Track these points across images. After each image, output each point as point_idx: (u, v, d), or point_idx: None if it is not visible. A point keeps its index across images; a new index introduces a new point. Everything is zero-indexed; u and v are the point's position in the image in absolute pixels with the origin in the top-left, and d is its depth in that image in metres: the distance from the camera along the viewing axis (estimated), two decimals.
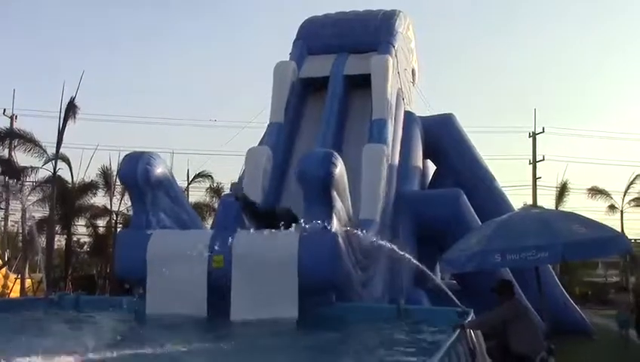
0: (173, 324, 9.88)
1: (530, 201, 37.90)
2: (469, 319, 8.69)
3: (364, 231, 12.34)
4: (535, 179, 39.42)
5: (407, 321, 10.09)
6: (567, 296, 20.10)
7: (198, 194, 35.00)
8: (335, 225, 10.79)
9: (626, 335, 18.68)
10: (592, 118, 78.60)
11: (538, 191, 39.24)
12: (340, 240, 10.83)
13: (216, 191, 33.38)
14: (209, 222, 27.89)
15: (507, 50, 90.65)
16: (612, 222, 35.03)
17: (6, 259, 26.72)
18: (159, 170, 11.87)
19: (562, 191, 38.14)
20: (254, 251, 10.67)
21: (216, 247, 10.69)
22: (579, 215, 9.16)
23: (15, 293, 24.15)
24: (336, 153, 11.43)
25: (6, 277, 25.52)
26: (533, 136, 40.22)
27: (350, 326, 10.10)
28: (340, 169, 11.03)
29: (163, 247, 10.96)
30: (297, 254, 10.37)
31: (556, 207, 35.81)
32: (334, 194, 10.93)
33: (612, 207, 38.97)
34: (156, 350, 7.27)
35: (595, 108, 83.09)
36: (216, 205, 28.54)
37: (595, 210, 37.24)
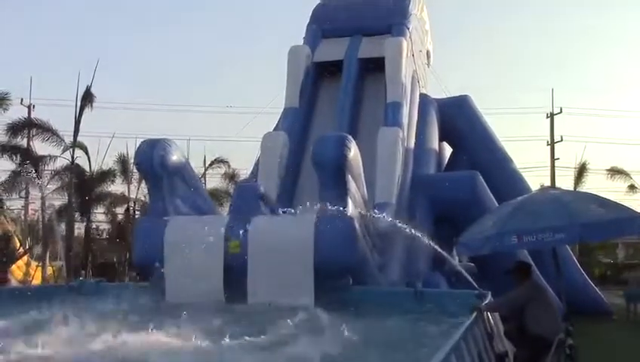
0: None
1: (548, 183, 37.63)
2: (487, 301, 8.67)
3: (380, 215, 12.33)
4: (553, 160, 39.11)
5: (425, 304, 10.09)
6: (586, 277, 20.01)
7: (215, 180, 35.16)
8: (351, 209, 10.78)
9: (634, 310, 19.40)
10: (610, 97, 77.69)
11: (556, 173, 38.99)
12: (356, 223, 10.83)
13: (232, 176, 33.46)
14: (226, 207, 28.01)
15: (523, 30, 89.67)
16: (632, 202, 34.64)
17: (27, 247, 26.97)
18: (175, 157, 11.91)
19: (581, 171, 37.79)
20: (270, 236, 10.70)
21: (232, 233, 10.74)
22: (596, 195, 9.07)
23: (37, 281, 24.46)
24: (349, 136, 11.40)
25: (28, 264, 25.80)
26: (551, 116, 39.85)
27: (367, 311, 10.09)
28: (354, 152, 11.00)
29: (180, 233, 11.02)
30: (313, 238, 10.39)
31: (575, 188, 35.48)
32: (349, 177, 10.92)
33: (632, 187, 38.52)
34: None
35: (613, 86, 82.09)
36: (232, 191, 28.63)
37: (614, 191, 36.86)
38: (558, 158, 39.33)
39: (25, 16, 78.33)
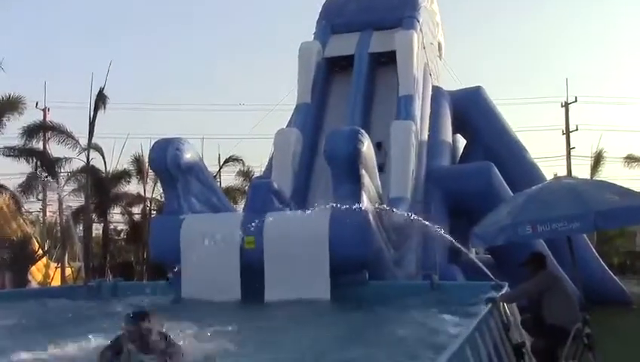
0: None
1: (564, 172, 37.31)
2: (503, 292, 8.65)
3: (395, 209, 12.33)
4: (569, 149, 38.77)
5: (441, 296, 10.09)
6: (605, 266, 19.87)
7: (229, 178, 35.22)
8: (365, 203, 10.78)
9: None
10: (626, 85, 76.79)
11: (573, 162, 38.62)
12: (371, 217, 10.83)
13: (246, 174, 33.51)
14: (240, 205, 28.09)
15: (537, 19, 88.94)
16: None
17: (46, 248, 27.24)
18: (189, 155, 11.98)
19: (597, 160, 37.35)
20: (285, 232, 10.74)
21: (247, 230, 10.79)
22: (611, 183, 8.97)
23: (56, 282, 24.71)
24: (362, 130, 11.40)
25: (47, 266, 26.10)
26: (566, 105, 39.48)
27: (383, 305, 10.11)
28: (367, 146, 11.00)
29: (195, 231, 11.10)
30: (328, 233, 10.41)
31: (591, 177, 35.18)
32: (362, 171, 10.91)
33: None
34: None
35: (629, 74, 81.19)
36: (247, 188, 28.69)
37: (632, 179, 36.44)
38: (573, 148, 38.96)
39: (37, 20, 78.95)
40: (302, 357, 6.63)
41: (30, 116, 28.78)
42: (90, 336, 6.88)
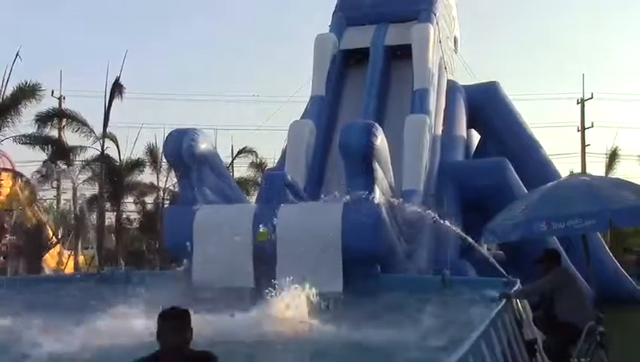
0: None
1: (578, 170, 37.06)
2: (515, 288, 8.63)
3: (408, 202, 12.32)
4: (584, 146, 38.51)
5: (453, 292, 10.08)
6: (618, 264, 19.75)
7: (242, 170, 35.31)
8: (378, 196, 10.79)
9: None
10: None
11: (587, 159, 38.36)
12: (384, 211, 10.83)
13: (259, 166, 33.58)
14: (253, 197, 28.16)
15: (553, 15, 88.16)
16: None
17: (60, 236, 27.49)
18: (203, 146, 12.02)
19: (612, 158, 37.09)
20: (298, 224, 10.76)
21: (260, 221, 10.82)
22: (627, 181, 8.92)
23: (69, 269, 24.93)
24: (376, 124, 11.40)
25: (60, 254, 26.35)
26: (582, 102, 39.20)
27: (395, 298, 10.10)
28: (380, 139, 10.99)
29: (209, 221, 11.14)
30: (341, 226, 10.42)
31: (606, 174, 34.93)
32: (376, 165, 10.91)
33: None
34: None
35: None
36: (259, 180, 28.76)
37: None
38: (588, 145, 38.70)
39: (54, 8, 79.24)
40: None
41: (46, 105, 28.98)
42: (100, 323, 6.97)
